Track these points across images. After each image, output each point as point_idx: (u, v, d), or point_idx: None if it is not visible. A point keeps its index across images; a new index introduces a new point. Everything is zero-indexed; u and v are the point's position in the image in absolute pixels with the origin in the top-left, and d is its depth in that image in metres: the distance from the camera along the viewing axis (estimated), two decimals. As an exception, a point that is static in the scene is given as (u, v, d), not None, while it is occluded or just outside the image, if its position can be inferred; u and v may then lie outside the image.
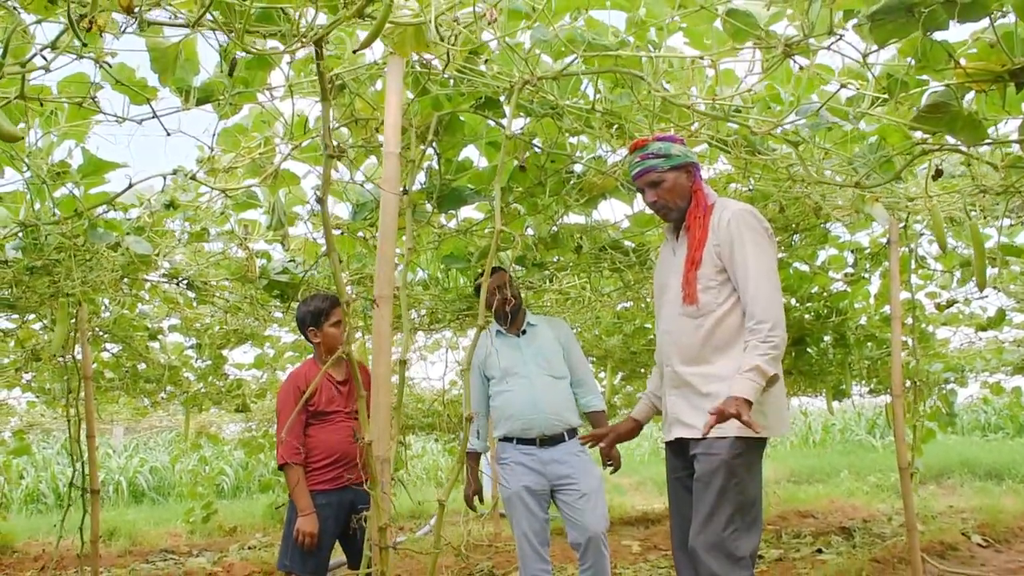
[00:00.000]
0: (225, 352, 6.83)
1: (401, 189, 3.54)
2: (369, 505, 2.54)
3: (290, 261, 4.77)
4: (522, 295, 4.25)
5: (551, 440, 3.82)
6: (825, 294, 5.96)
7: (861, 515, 9.01)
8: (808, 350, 6.98)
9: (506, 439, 3.90)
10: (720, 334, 2.59)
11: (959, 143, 2.37)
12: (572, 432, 3.87)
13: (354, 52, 2.25)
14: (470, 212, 4.16)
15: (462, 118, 3.17)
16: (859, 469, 13.30)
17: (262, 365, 7.69)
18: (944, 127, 2.31)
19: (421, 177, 3.61)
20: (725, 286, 2.59)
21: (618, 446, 3.42)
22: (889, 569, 5.60)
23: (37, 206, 3.10)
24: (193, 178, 3.15)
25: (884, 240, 4.94)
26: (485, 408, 3.98)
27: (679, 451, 2.74)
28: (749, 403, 2.36)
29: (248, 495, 12.97)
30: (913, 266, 5.03)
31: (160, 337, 6.36)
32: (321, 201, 2.26)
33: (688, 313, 2.64)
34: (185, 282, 4.91)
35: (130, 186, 3.11)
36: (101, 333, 5.92)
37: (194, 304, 5.36)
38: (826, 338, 6.84)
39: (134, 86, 2.56)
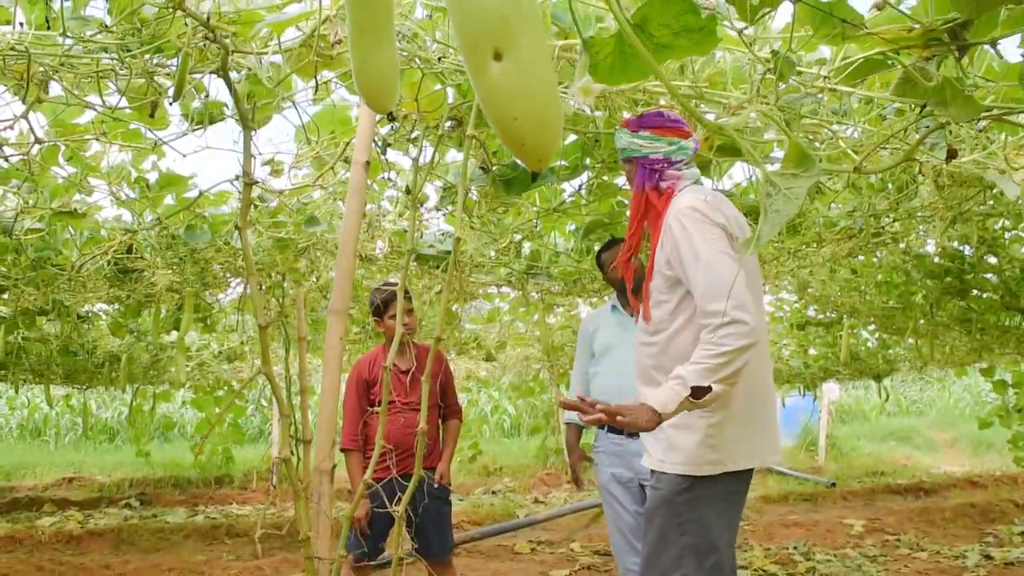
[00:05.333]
0: (455, 308, 7.24)
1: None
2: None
3: (442, 233, 4.95)
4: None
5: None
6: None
7: None
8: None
9: (599, 425, 3.75)
10: (674, 352, 2.22)
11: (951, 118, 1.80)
12: None
13: (170, 103, 2.26)
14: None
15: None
16: None
17: (494, 319, 8.11)
18: (933, 100, 1.78)
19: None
20: (678, 300, 2.22)
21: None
22: None
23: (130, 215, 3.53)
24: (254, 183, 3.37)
25: None
26: (588, 382, 3.80)
27: None
28: (658, 415, 2.00)
29: (521, 435, 13.70)
30: None
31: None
32: (240, 229, 2.33)
33: (644, 329, 2.33)
34: (357, 256, 5.30)
35: (200, 194, 3.43)
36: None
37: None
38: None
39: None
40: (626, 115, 2.59)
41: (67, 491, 9.21)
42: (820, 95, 2.05)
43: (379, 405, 3.47)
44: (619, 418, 2.03)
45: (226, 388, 9.35)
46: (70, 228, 3.86)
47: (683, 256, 2.14)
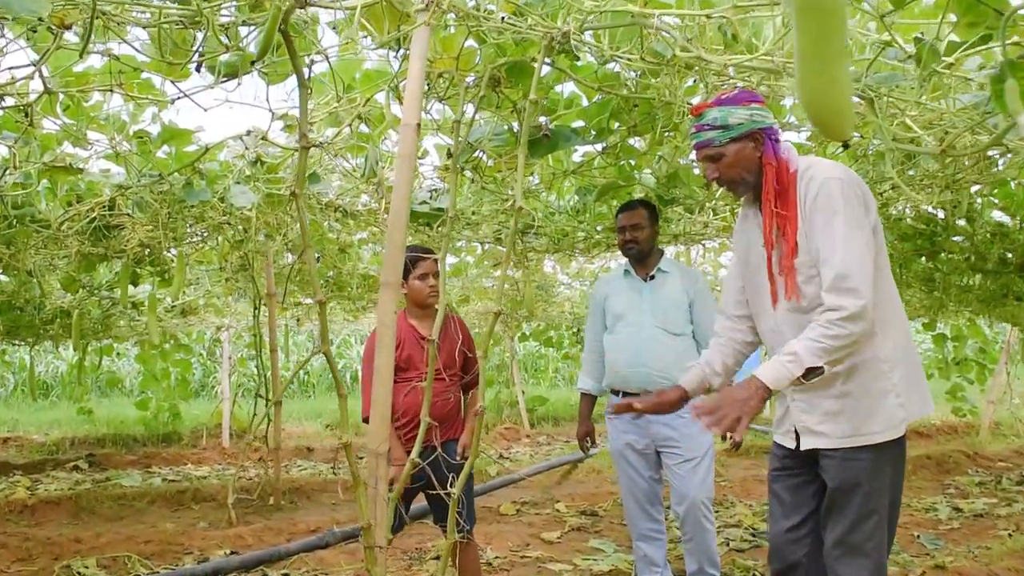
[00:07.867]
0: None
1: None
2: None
3: (433, 190, 4.77)
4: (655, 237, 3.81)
5: None
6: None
7: None
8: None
9: (612, 391, 3.69)
10: None
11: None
12: None
13: (251, 64, 2.07)
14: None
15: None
16: None
17: (460, 274, 8.11)
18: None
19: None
20: None
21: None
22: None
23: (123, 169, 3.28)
24: (264, 138, 3.16)
25: None
26: (600, 348, 3.75)
27: (801, 452, 2.35)
28: (768, 391, 2.01)
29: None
30: None
31: (350, 249, 6.72)
32: (295, 196, 2.15)
33: (795, 308, 2.22)
34: (341, 211, 5.09)
35: (206, 150, 3.20)
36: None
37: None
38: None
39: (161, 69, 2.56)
40: (696, 100, 2.49)
41: (4, 452, 8.74)
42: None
43: (397, 372, 3.34)
44: (709, 417, 2.05)
45: (172, 341, 8.99)
46: (44, 180, 3.56)
47: (823, 232, 2.10)
